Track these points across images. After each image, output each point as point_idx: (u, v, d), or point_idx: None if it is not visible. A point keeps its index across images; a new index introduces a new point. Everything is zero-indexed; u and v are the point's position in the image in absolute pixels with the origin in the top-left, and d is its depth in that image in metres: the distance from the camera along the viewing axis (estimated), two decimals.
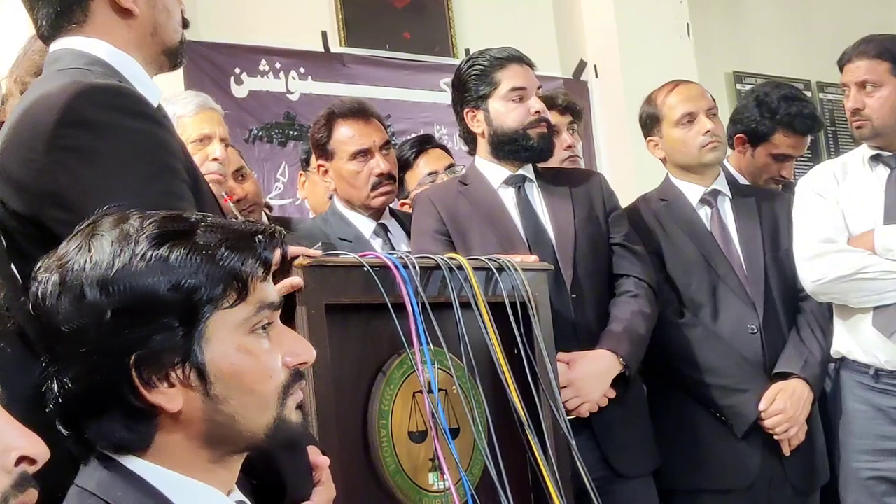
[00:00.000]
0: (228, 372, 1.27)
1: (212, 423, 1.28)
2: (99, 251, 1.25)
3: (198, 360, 1.25)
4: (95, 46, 1.72)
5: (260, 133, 5.12)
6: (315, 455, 1.70)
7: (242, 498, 1.39)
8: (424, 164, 3.42)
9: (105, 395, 1.24)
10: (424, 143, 3.53)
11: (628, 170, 5.65)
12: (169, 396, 1.25)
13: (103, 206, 1.38)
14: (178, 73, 4.23)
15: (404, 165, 3.42)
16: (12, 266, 1.45)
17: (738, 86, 6.92)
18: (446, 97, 5.54)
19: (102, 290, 1.22)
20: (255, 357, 1.29)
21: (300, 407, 1.36)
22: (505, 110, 2.90)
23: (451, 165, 3.39)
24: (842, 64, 3.07)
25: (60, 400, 1.26)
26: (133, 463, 1.27)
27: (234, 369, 1.27)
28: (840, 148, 6.97)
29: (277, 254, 1.32)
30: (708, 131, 3.09)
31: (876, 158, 3.02)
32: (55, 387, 1.26)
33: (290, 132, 5.18)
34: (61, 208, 1.53)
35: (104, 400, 1.25)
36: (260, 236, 1.30)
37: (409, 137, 3.72)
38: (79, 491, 1.27)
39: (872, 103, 2.96)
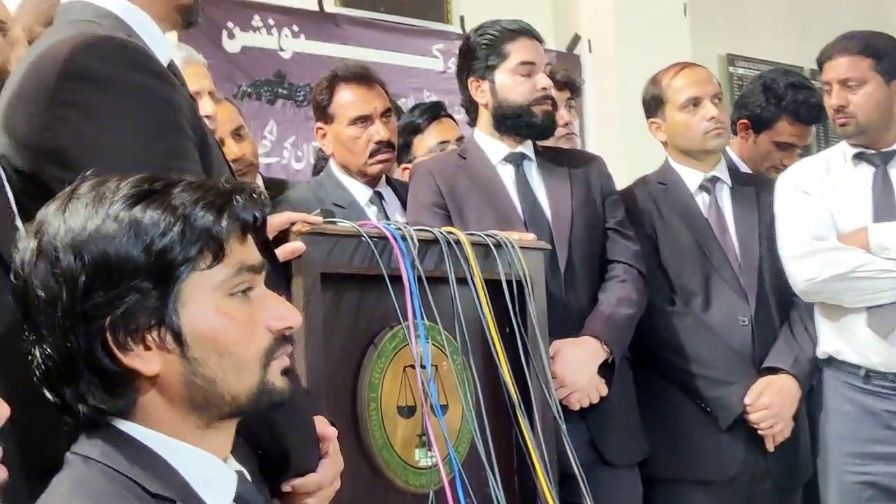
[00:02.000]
0: (205, 334, 1.25)
1: (192, 385, 1.26)
2: (74, 214, 1.23)
3: (173, 322, 1.23)
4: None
5: (249, 90, 5.05)
6: (322, 426, 1.67)
7: (239, 466, 1.37)
8: (437, 133, 3.37)
9: (82, 360, 1.23)
10: (438, 110, 3.46)
11: (617, 146, 5.61)
12: (145, 359, 1.23)
13: (105, 163, 1.36)
14: None
15: (414, 130, 3.37)
16: (20, 227, 1.40)
17: (731, 68, 6.89)
18: (438, 63, 5.54)
19: (76, 253, 1.21)
20: (233, 319, 1.26)
21: (287, 372, 1.33)
22: (512, 83, 2.85)
23: (461, 137, 3.35)
24: (821, 61, 3.02)
25: (43, 367, 1.25)
26: (128, 426, 1.26)
27: (212, 331, 1.25)
28: (829, 139, 6.96)
29: (255, 214, 1.29)
30: (713, 117, 3.04)
31: (859, 157, 2.99)
32: (37, 353, 1.25)
33: (280, 90, 5.12)
34: (62, 166, 1.48)
35: (81, 365, 1.23)
36: (238, 196, 1.27)
37: (420, 103, 3.65)
38: (82, 459, 1.25)
39: (856, 100, 2.93)
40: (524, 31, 2.90)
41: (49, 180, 1.49)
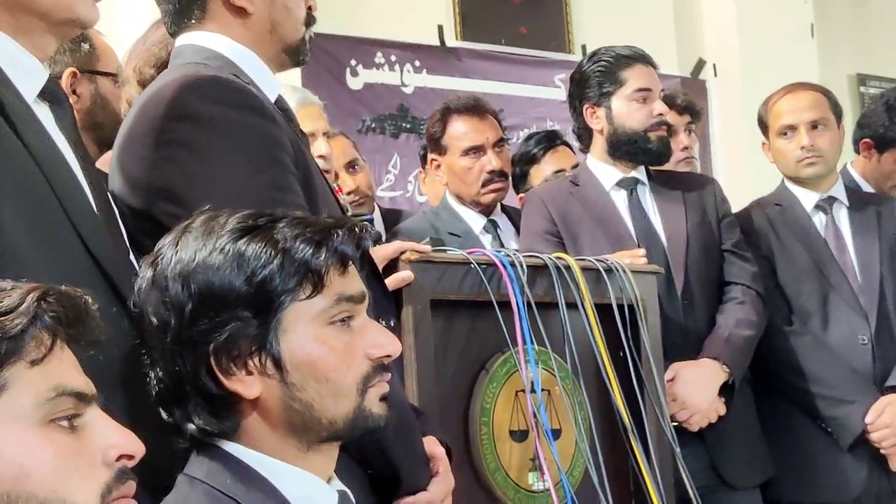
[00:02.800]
0: (304, 361, 1.30)
1: (290, 410, 1.31)
2: (185, 246, 1.31)
3: (274, 348, 1.29)
4: (216, 41, 1.74)
5: (373, 125, 5.16)
6: (432, 446, 1.70)
7: (342, 487, 1.41)
8: (553, 162, 3.40)
9: (189, 383, 1.30)
10: (553, 139, 3.49)
11: (745, 171, 5.54)
12: (246, 383, 1.30)
13: (210, 198, 1.42)
14: None
15: (531, 160, 3.41)
16: (134, 263, 1.48)
17: (862, 88, 6.74)
18: (561, 93, 5.55)
19: (184, 283, 1.29)
20: (331, 347, 1.32)
21: (385, 399, 1.38)
22: (628, 110, 2.86)
23: (577, 165, 3.36)
24: None
25: (157, 388, 1.33)
26: (233, 447, 1.33)
27: (310, 358, 1.30)
28: None
29: (356, 247, 1.34)
30: (804, 147, 3.02)
31: None
32: (152, 376, 1.33)
33: (403, 124, 5.22)
34: (171, 202, 1.55)
35: (189, 387, 1.30)
36: (339, 230, 1.33)
37: (536, 131, 3.68)
38: (188, 479, 1.32)
39: None
40: (639, 58, 2.90)
41: (160, 216, 1.56)
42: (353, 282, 1.36)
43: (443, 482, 1.69)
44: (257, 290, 1.28)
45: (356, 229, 1.36)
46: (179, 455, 1.36)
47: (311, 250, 1.29)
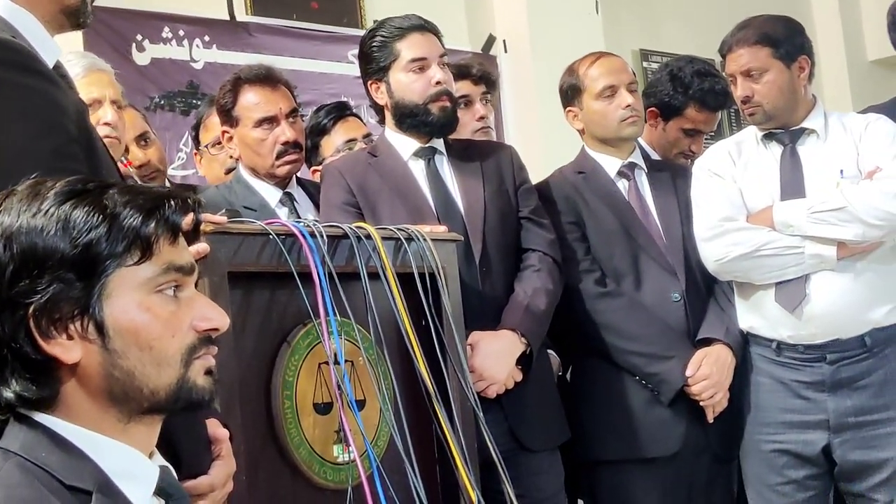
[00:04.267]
0: (127, 327, 1.29)
1: (111, 377, 1.29)
2: (8, 209, 1.29)
3: (96, 313, 1.28)
4: None
5: (162, 102, 5.00)
6: (214, 427, 1.66)
7: (164, 462, 1.39)
8: (343, 132, 3.34)
9: (6, 347, 1.27)
10: (343, 110, 3.44)
11: (536, 144, 5.66)
12: (66, 347, 1.28)
13: None
14: (78, 39, 4.10)
15: (321, 131, 3.35)
16: None
17: (645, 63, 6.97)
18: (354, 69, 5.42)
19: (6, 244, 1.26)
20: (156, 315, 1.30)
21: (210, 372, 1.36)
22: (406, 81, 2.84)
23: (368, 135, 3.34)
24: (723, 54, 3.08)
25: None
26: (49, 420, 1.30)
27: (133, 325, 1.29)
28: (742, 124, 7.07)
29: (188, 218, 1.35)
30: (628, 105, 3.09)
31: (769, 136, 3.05)
32: None
33: (194, 101, 5.06)
34: None
35: (5, 352, 1.27)
36: (171, 200, 1.33)
37: (324, 104, 3.63)
38: (2, 452, 1.28)
39: (760, 89, 2.98)
40: (413, 27, 2.87)
41: None
42: (184, 253, 1.36)
43: (225, 465, 1.66)
44: (82, 253, 1.26)
45: (189, 201, 1.35)
46: None
47: (141, 217, 1.29)
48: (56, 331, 1.27)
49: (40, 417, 1.29)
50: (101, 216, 1.27)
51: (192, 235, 1.38)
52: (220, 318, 1.37)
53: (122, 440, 1.32)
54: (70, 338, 1.27)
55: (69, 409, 1.30)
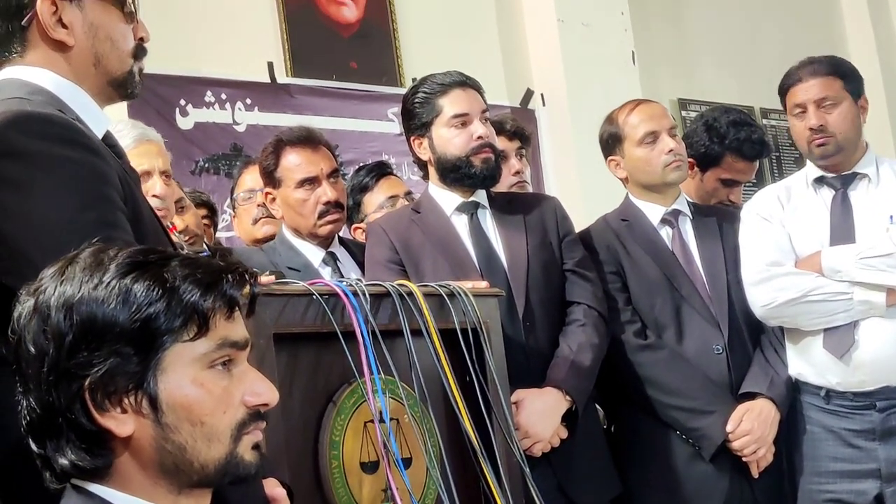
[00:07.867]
0: (180, 402, 1.30)
1: (163, 451, 1.30)
2: (70, 277, 1.30)
3: (150, 387, 1.29)
4: (39, 76, 1.69)
5: (206, 165, 5.07)
6: (272, 487, 1.66)
7: None
8: (385, 189, 3.40)
9: (62, 417, 1.28)
10: (383, 168, 3.51)
11: (576, 197, 5.66)
12: (119, 421, 1.28)
13: (34, 237, 1.43)
14: (122, 106, 4.17)
15: (363, 189, 3.40)
16: None
17: (684, 112, 6.97)
18: (394, 127, 5.57)
19: (66, 313, 1.27)
20: (208, 390, 1.31)
21: (257, 447, 1.37)
22: (449, 136, 2.87)
23: (409, 192, 3.37)
24: (789, 85, 3.06)
25: (28, 418, 1.31)
26: (104, 491, 1.31)
27: (187, 401, 1.30)
28: (784, 173, 7.05)
29: (245, 291, 1.36)
30: (671, 150, 3.08)
31: (820, 181, 3.03)
32: (24, 406, 1.31)
33: (237, 163, 5.12)
34: None
35: (61, 421, 1.28)
36: (229, 275, 1.34)
37: (365, 164, 3.71)
38: None
39: (833, 119, 2.96)
40: (455, 83, 2.91)
41: None
42: (238, 327, 1.36)
43: None
44: (141, 327, 1.27)
45: (246, 275, 1.36)
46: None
47: (199, 292, 1.30)
48: (110, 403, 1.28)
49: (94, 488, 1.31)
50: (161, 290, 1.28)
51: (249, 308, 1.39)
52: (269, 394, 1.37)
53: None
54: (124, 411, 1.28)
55: (122, 480, 1.31)
